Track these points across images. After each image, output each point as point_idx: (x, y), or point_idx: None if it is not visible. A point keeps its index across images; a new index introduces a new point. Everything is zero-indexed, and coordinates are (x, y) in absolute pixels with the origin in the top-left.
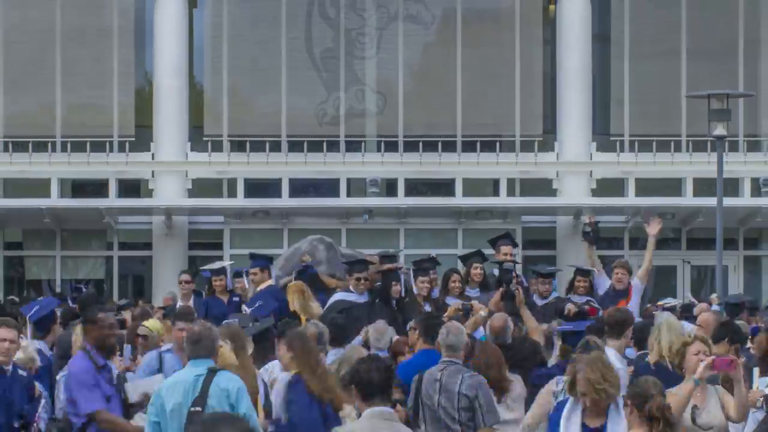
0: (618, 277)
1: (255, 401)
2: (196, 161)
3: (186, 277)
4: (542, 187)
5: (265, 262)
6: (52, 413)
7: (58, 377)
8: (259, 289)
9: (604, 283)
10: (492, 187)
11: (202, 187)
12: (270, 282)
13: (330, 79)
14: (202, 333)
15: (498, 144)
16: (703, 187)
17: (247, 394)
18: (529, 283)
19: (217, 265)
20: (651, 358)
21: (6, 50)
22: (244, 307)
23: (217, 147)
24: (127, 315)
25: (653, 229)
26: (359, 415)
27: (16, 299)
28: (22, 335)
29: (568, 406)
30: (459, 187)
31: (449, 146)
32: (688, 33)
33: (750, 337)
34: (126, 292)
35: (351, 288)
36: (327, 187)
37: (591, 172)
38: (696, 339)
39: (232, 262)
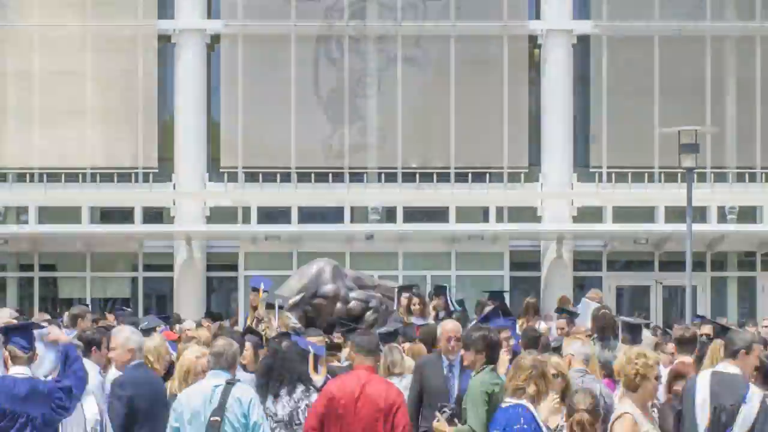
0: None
1: None
2: (213, 191)
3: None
4: (528, 214)
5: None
6: None
7: None
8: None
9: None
10: (482, 214)
11: (218, 215)
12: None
13: (335, 116)
14: (224, 347)
15: (488, 175)
16: (674, 214)
17: (259, 404)
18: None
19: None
20: None
21: (43, 92)
22: None
23: (233, 178)
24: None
25: None
26: None
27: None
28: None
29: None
30: (452, 214)
31: (443, 177)
32: (660, 74)
33: None
34: (150, 309)
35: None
36: (332, 214)
37: (572, 200)
38: None
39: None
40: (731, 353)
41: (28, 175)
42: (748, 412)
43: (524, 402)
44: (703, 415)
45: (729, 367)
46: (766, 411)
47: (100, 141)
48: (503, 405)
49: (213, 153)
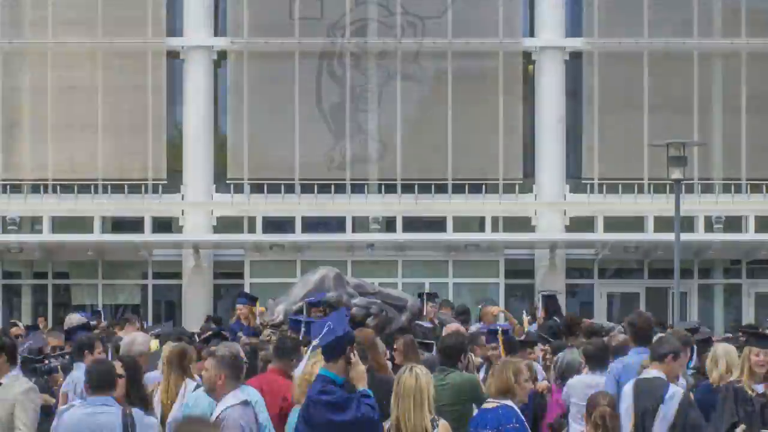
0: None
1: None
2: (220, 201)
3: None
4: (522, 223)
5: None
6: None
7: None
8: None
9: None
10: (478, 223)
11: (225, 224)
12: None
13: (337, 130)
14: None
15: (484, 186)
16: (663, 224)
17: (264, 406)
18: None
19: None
20: None
21: (56, 106)
22: None
23: (239, 189)
24: None
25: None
26: None
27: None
28: None
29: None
30: (450, 224)
31: (441, 188)
32: (649, 89)
33: None
34: (159, 316)
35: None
36: (335, 224)
37: (565, 210)
38: None
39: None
40: (658, 357)
41: (41, 186)
42: (667, 410)
43: (509, 402)
44: (627, 421)
45: (653, 372)
46: (685, 406)
47: (111, 153)
48: (488, 405)
49: (220, 165)
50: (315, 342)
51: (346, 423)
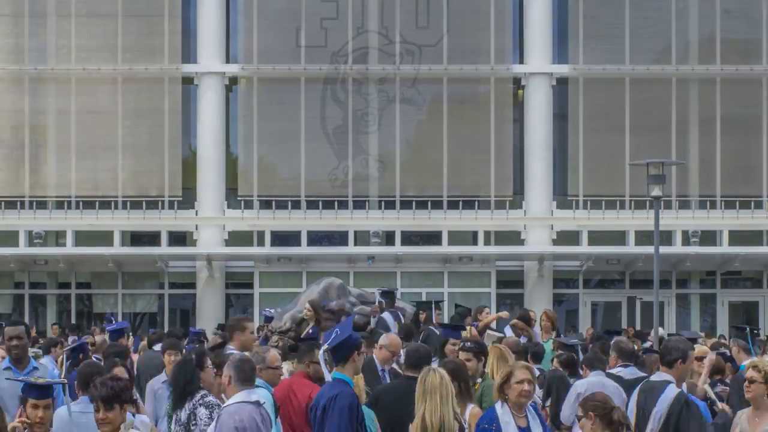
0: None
1: None
2: (231, 217)
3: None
4: (512, 237)
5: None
6: None
7: None
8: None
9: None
10: (472, 237)
11: (236, 238)
12: None
13: (340, 150)
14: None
15: (476, 203)
16: (643, 237)
17: (272, 406)
18: None
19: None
20: None
21: (79, 128)
22: None
23: (249, 205)
24: None
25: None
26: None
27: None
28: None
29: (498, 409)
30: (445, 238)
31: (437, 205)
32: (630, 113)
33: None
34: (175, 323)
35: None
36: (338, 237)
37: (552, 225)
38: None
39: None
40: (667, 363)
41: (65, 203)
42: (659, 410)
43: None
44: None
45: (663, 375)
46: (681, 405)
47: (130, 172)
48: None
49: (231, 183)
50: (325, 346)
51: None
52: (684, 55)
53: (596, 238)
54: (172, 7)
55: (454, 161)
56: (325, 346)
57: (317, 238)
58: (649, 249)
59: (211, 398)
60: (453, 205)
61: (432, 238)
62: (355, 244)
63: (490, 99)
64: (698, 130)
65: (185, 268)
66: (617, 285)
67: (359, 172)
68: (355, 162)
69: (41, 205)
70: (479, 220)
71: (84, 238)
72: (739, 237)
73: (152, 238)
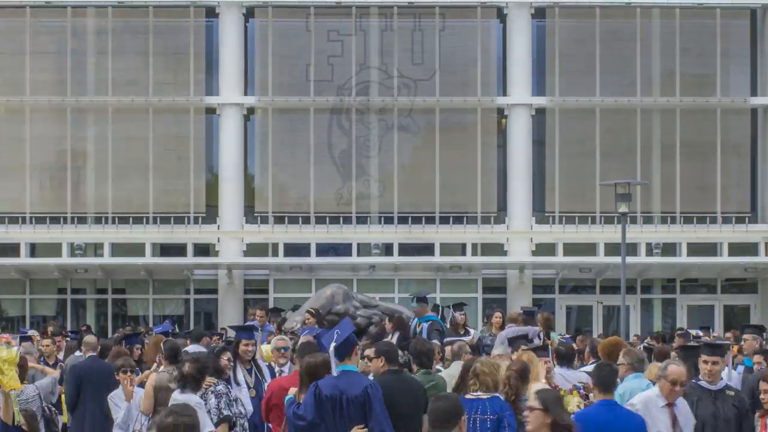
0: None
1: None
2: (249, 231)
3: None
4: (496, 249)
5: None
6: None
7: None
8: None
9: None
10: (461, 249)
11: (253, 249)
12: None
13: (345, 172)
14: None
15: (465, 218)
16: (612, 249)
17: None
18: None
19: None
20: None
21: (115, 152)
22: None
23: (265, 221)
24: None
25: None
26: None
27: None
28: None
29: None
30: (437, 249)
31: (430, 220)
32: (600, 139)
33: None
34: (199, 323)
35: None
36: (343, 249)
37: (531, 238)
38: None
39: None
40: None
41: (103, 219)
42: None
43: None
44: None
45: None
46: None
47: (160, 191)
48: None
49: (249, 201)
50: (330, 347)
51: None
52: (648, 88)
53: (570, 249)
54: (197, 46)
55: (445, 181)
56: (333, 344)
57: (324, 249)
58: (617, 259)
59: (221, 386)
60: (444, 220)
61: (425, 249)
62: (358, 255)
63: (477, 127)
64: (660, 155)
65: (208, 276)
66: (589, 291)
67: (362, 192)
68: (358, 182)
69: (82, 220)
70: (467, 233)
71: (119, 249)
72: (696, 248)
73: (179, 250)
